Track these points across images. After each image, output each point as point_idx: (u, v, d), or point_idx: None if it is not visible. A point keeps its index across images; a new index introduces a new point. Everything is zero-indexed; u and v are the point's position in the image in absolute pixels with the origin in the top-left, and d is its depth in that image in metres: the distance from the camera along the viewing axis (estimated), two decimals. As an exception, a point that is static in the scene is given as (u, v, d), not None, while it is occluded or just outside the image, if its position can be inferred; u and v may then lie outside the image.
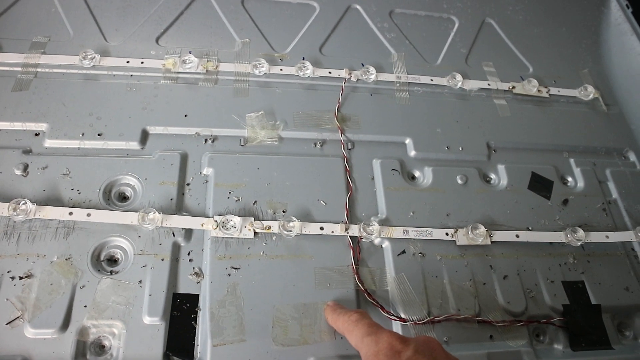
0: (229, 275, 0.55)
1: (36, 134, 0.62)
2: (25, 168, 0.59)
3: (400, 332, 0.54)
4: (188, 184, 0.61)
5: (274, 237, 0.59)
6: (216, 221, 0.57)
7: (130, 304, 0.52)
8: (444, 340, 0.55)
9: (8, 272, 0.52)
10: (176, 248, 0.56)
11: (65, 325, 0.50)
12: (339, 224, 0.60)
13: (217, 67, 0.71)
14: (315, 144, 0.67)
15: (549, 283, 0.62)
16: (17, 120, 0.62)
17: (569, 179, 0.73)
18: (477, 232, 0.62)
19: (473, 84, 0.78)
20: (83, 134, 0.62)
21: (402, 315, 0.56)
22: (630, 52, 0.87)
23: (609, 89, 0.85)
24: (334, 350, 0.52)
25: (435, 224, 0.63)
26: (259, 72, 0.72)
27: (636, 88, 0.84)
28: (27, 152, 0.60)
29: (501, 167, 0.70)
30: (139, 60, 0.70)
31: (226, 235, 0.57)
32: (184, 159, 0.63)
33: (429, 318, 0.55)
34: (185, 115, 0.66)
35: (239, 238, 0.57)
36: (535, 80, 0.80)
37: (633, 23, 0.88)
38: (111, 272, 0.54)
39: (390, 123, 0.71)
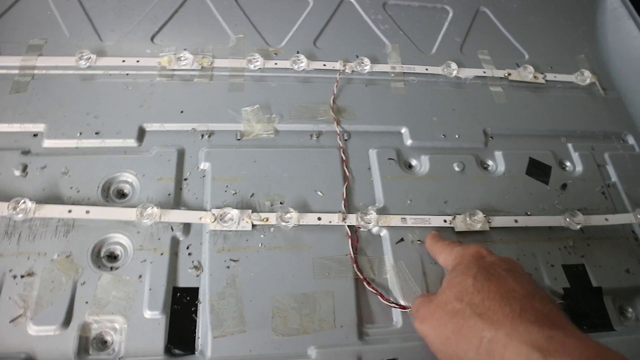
0: (228, 267, 0.56)
1: (34, 135, 0.63)
2: (25, 168, 0.59)
3: (400, 320, 0.55)
4: (185, 179, 0.61)
5: (271, 229, 0.59)
6: (214, 214, 0.57)
7: (130, 299, 0.53)
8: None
9: (10, 270, 0.53)
10: (175, 242, 0.57)
11: (67, 321, 0.51)
12: (337, 214, 0.60)
13: (212, 63, 0.71)
14: (311, 136, 0.67)
15: (549, 267, 0.62)
16: (16, 122, 0.63)
17: (567, 163, 0.72)
18: (475, 218, 0.62)
19: (468, 72, 0.78)
20: (81, 133, 0.63)
21: (402, 303, 0.56)
22: (627, 36, 0.86)
23: (606, 73, 0.85)
24: (334, 339, 0.53)
25: (433, 212, 0.63)
26: (254, 66, 0.72)
27: (633, 72, 0.83)
28: (26, 152, 0.61)
29: (498, 154, 0.70)
30: (134, 59, 0.70)
31: (224, 228, 0.57)
32: (181, 154, 0.63)
33: (428, 305, 0.56)
34: (182, 112, 0.66)
35: (237, 230, 0.58)
36: (531, 67, 0.79)
37: (629, 7, 0.88)
38: (111, 268, 0.55)
39: (386, 113, 0.71)
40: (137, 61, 0.70)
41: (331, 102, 0.70)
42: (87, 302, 0.52)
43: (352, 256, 0.58)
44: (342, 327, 0.53)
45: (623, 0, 0.89)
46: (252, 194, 0.61)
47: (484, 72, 0.78)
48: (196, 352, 0.51)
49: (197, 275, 0.55)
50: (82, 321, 0.51)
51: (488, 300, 0.42)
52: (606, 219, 0.66)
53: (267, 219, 0.58)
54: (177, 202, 0.60)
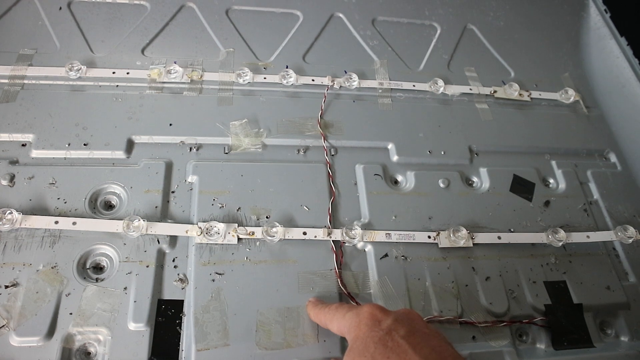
0: (213, 280, 0.56)
1: (23, 145, 0.63)
2: (12, 178, 0.59)
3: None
4: (173, 192, 0.62)
5: (257, 243, 0.59)
6: (200, 228, 0.58)
7: (115, 311, 0.53)
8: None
9: (-6, 281, 0.53)
10: (161, 255, 0.57)
11: (50, 332, 0.51)
12: (322, 229, 0.61)
13: (201, 76, 0.72)
14: (298, 151, 0.68)
15: (531, 283, 0.63)
16: (4, 132, 0.63)
17: (551, 180, 0.74)
18: (459, 234, 0.63)
19: (455, 89, 0.79)
20: (69, 144, 0.63)
21: (385, 318, 0.56)
22: (610, 55, 0.88)
23: (590, 91, 0.87)
24: (317, 353, 0.53)
25: (417, 228, 0.64)
26: (243, 80, 0.73)
27: (616, 90, 0.85)
28: (14, 162, 0.61)
29: (483, 170, 0.71)
30: (124, 71, 0.71)
31: (210, 242, 0.58)
32: (169, 167, 0.63)
33: (411, 320, 0.56)
34: (170, 124, 0.67)
35: (222, 244, 0.58)
36: (517, 85, 0.81)
37: (611, 27, 0.90)
38: (97, 280, 0.55)
39: (372, 129, 0.72)
40: (127, 73, 0.71)
41: (319, 117, 0.71)
42: (71, 314, 0.52)
43: (337, 271, 0.59)
44: (325, 341, 0.54)
45: (606, 21, 0.91)
46: (239, 208, 0.61)
47: (470, 89, 0.80)
48: (179, 365, 0.52)
49: (182, 288, 0.55)
50: (65, 332, 0.51)
51: None
52: (587, 236, 0.67)
53: (253, 233, 0.59)
54: (164, 214, 0.60)
